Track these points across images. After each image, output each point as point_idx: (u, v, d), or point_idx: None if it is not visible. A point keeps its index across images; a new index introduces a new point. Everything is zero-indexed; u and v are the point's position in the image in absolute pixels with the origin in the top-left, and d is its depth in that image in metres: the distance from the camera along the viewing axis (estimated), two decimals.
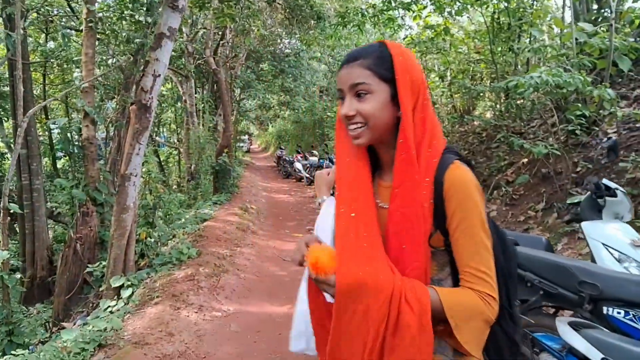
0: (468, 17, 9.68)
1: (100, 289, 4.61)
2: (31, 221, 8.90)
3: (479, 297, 1.08)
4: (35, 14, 9.92)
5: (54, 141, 11.72)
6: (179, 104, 15.79)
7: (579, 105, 6.05)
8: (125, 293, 4.36)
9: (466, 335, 1.07)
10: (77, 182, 6.41)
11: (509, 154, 7.76)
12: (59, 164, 13.73)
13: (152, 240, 5.41)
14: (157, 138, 18.85)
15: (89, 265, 5.01)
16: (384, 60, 1.14)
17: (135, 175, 4.59)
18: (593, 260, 2.72)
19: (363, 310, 1.07)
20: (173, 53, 13.36)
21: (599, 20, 8.33)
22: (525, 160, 7.20)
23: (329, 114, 19.15)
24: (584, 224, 2.78)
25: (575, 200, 3.19)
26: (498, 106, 9.06)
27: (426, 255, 1.12)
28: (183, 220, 7.50)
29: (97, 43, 9.42)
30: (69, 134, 7.52)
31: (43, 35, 12.65)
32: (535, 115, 7.85)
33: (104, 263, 4.89)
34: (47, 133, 11.74)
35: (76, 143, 7.03)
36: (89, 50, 6.62)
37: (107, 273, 4.55)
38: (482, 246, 1.10)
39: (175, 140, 18.90)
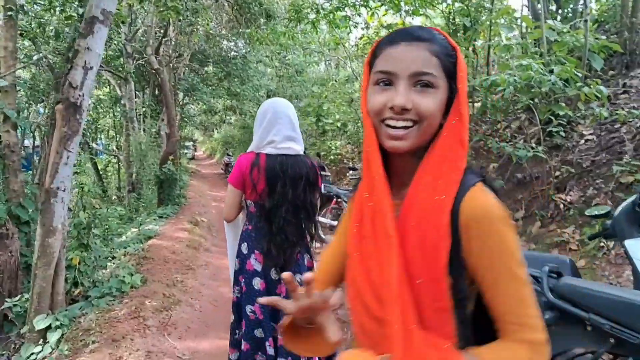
0: (427, 15, 9.31)
1: (22, 331, 3.73)
2: None
3: (529, 350, 0.88)
4: None
5: None
6: (118, 107, 14.70)
7: (556, 105, 5.74)
8: (53, 337, 3.52)
9: None
10: None
11: (476, 157, 7.40)
12: None
13: (88, 266, 4.55)
14: (94, 145, 17.53)
15: (7, 299, 4.07)
16: (449, 51, 0.94)
17: (64, 190, 3.75)
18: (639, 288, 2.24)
19: None
20: (110, 53, 12.40)
21: (560, 20, 8.21)
22: (496, 164, 6.85)
23: None
24: (629, 243, 2.29)
25: (601, 212, 2.71)
26: None
27: (448, 292, 0.90)
28: (124, 237, 6.62)
29: (21, 38, 8.41)
30: None
31: None
32: (506, 117, 7.54)
33: (27, 296, 4.01)
34: None
35: None
36: (8, 43, 5.66)
37: (30, 311, 3.68)
38: (523, 287, 0.90)
39: (114, 148, 17.62)
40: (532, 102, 5.76)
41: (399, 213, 0.94)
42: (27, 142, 11.09)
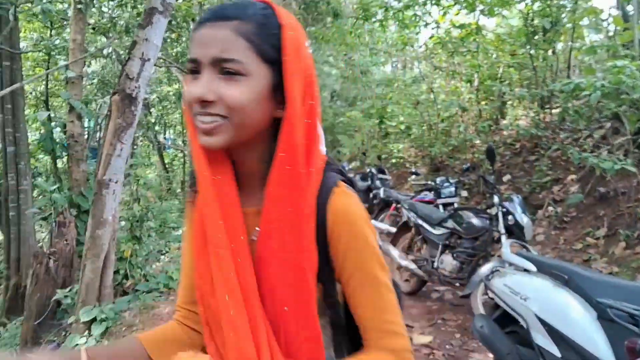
0: (504, 15, 8.77)
1: (69, 321, 3.72)
2: (17, 225, 8.15)
3: (394, 359, 0.82)
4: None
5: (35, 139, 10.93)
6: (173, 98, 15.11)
7: None
8: (97, 329, 3.47)
9: None
10: (60, 186, 5.58)
11: (553, 168, 6.82)
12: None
13: (140, 258, 4.52)
14: (162, 140, 18.10)
15: (59, 290, 4.09)
16: (270, 31, 0.78)
17: (116, 182, 3.70)
18: None
19: None
20: (179, 50, 12.66)
21: None
22: (575, 176, 6.26)
23: (341, 119, 18.36)
24: None
25: None
26: (535, 114, 8.14)
27: (317, 319, 0.81)
28: (180, 231, 6.62)
29: (93, 32, 8.71)
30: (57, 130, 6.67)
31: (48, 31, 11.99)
32: (588, 125, 6.91)
33: (77, 287, 4.01)
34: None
35: (58, 141, 6.18)
36: (77, 35, 5.81)
37: (78, 302, 3.66)
38: (385, 293, 0.84)
39: (181, 142, 18.11)
40: (620, 109, 5.18)
41: (258, 226, 0.84)
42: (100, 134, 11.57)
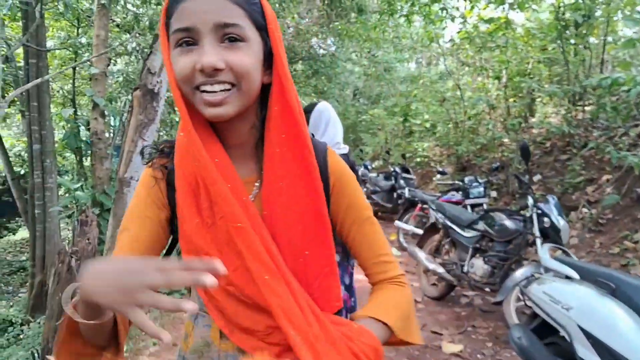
0: (534, 9, 8.47)
1: None
2: (42, 223, 8.23)
3: (399, 287, 0.97)
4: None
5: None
6: None
7: None
8: None
9: (413, 332, 0.97)
10: (84, 184, 5.56)
11: (586, 167, 6.54)
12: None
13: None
14: None
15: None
16: (255, 2, 0.82)
17: (137, 180, 3.62)
18: None
19: None
20: None
21: None
22: (610, 176, 5.98)
23: (364, 117, 18.16)
24: None
25: None
26: (566, 111, 7.85)
27: (334, 254, 0.93)
28: None
29: (119, 30, 8.72)
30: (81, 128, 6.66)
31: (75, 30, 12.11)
32: (625, 122, 6.62)
33: None
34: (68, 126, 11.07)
35: (83, 139, 6.18)
36: (100, 31, 5.78)
37: None
38: (377, 230, 0.99)
39: None
40: None
41: (257, 193, 0.90)
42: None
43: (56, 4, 9.66)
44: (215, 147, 0.85)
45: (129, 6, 8.11)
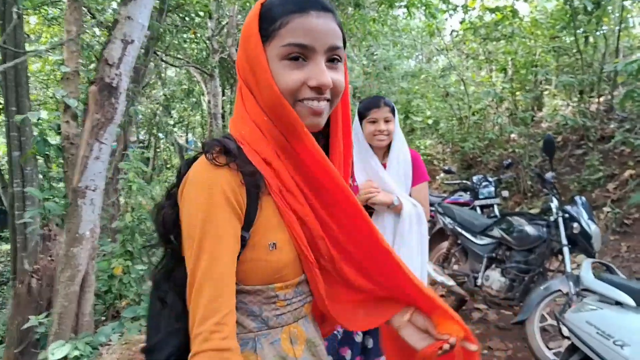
0: None
1: (39, 358, 3.12)
2: (23, 234, 7.76)
3: None
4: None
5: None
6: (194, 100, 14.86)
7: None
8: None
9: None
10: (54, 194, 5.05)
11: (605, 162, 6.00)
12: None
13: (133, 275, 3.93)
14: (181, 142, 17.74)
15: (30, 317, 3.46)
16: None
17: (94, 190, 3.10)
18: None
19: None
20: (194, 46, 12.20)
21: None
22: (632, 171, 5.45)
23: None
24: None
25: None
26: (577, 103, 7.31)
27: None
28: None
29: (99, 30, 8.24)
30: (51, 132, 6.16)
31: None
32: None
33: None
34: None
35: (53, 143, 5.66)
36: (71, 27, 5.25)
37: (50, 334, 3.07)
38: None
39: (199, 144, 17.72)
40: None
41: None
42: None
43: (47, 9, 9.23)
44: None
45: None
